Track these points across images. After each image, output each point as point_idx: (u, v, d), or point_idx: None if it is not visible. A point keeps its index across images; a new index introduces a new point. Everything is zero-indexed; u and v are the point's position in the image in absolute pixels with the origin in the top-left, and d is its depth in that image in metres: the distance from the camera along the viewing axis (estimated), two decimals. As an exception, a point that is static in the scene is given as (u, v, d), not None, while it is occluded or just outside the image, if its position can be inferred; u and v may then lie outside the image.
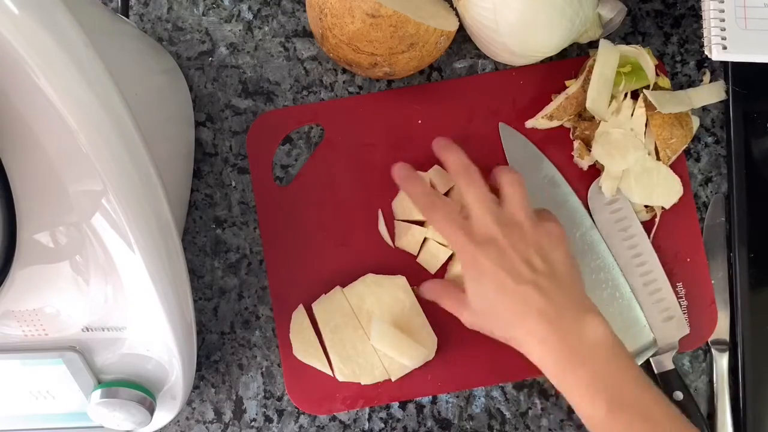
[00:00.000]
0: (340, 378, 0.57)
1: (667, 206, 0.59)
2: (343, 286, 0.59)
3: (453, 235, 0.52)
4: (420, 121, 0.60)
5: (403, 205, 0.59)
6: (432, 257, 0.59)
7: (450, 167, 0.55)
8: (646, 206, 0.59)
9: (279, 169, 0.61)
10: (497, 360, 0.58)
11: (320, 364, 0.58)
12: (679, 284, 0.59)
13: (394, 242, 0.59)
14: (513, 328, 0.50)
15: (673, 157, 0.58)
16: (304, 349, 0.58)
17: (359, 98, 0.61)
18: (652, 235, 0.59)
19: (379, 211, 0.60)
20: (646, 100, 0.57)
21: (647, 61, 0.57)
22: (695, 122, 0.59)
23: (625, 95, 0.58)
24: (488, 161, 0.59)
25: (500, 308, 0.51)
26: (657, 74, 0.58)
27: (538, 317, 0.49)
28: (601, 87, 0.56)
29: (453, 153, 0.55)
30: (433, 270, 0.59)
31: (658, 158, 0.58)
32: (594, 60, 0.57)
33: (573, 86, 0.58)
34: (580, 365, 0.48)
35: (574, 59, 0.61)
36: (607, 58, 0.56)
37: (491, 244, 0.51)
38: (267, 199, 0.60)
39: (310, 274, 0.59)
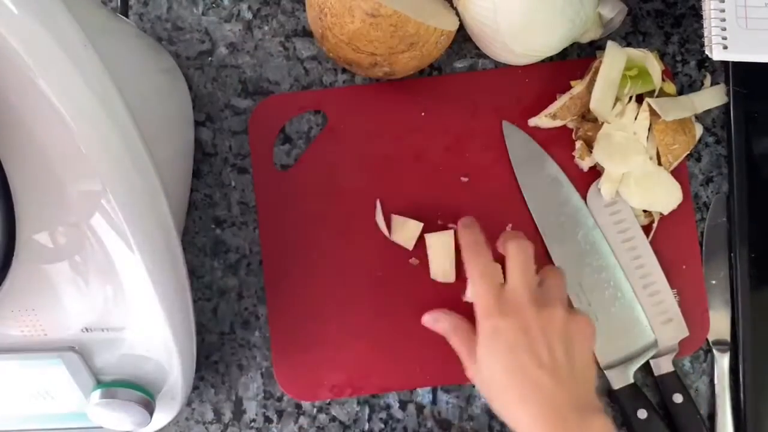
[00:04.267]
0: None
1: (666, 212, 0.58)
2: (339, 274, 0.59)
3: (483, 294, 0.51)
4: (423, 114, 0.60)
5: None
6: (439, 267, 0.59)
7: (504, 237, 0.54)
8: (644, 211, 0.59)
9: (281, 155, 0.61)
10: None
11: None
12: (674, 291, 0.59)
13: (390, 234, 0.59)
14: (515, 409, 0.48)
15: (675, 163, 0.58)
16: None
17: (364, 87, 0.61)
18: (649, 241, 0.59)
19: (377, 202, 0.60)
20: (650, 105, 0.57)
21: (654, 65, 0.56)
22: (698, 129, 0.59)
23: (630, 98, 0.58)
24: (491, 157, 0.60)
25: (508, 385, 0.48)
26: (663, 79, 0.58)
27: (546, 407, 0.47)
28: (606, 89, 0.56)
29: (512, 236, 0.54)
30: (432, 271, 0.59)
31: (660, 163, 0.58)
32: (601, 61, 0.57)
33: (578, 86, 0.58)
34: None
35: (581, 60, 0.60)
36: (613, 61, 0.56)
37: (518, 317, 0.49)
38: (266, 182, 0.60)
39: (305, 258, 0.59)
